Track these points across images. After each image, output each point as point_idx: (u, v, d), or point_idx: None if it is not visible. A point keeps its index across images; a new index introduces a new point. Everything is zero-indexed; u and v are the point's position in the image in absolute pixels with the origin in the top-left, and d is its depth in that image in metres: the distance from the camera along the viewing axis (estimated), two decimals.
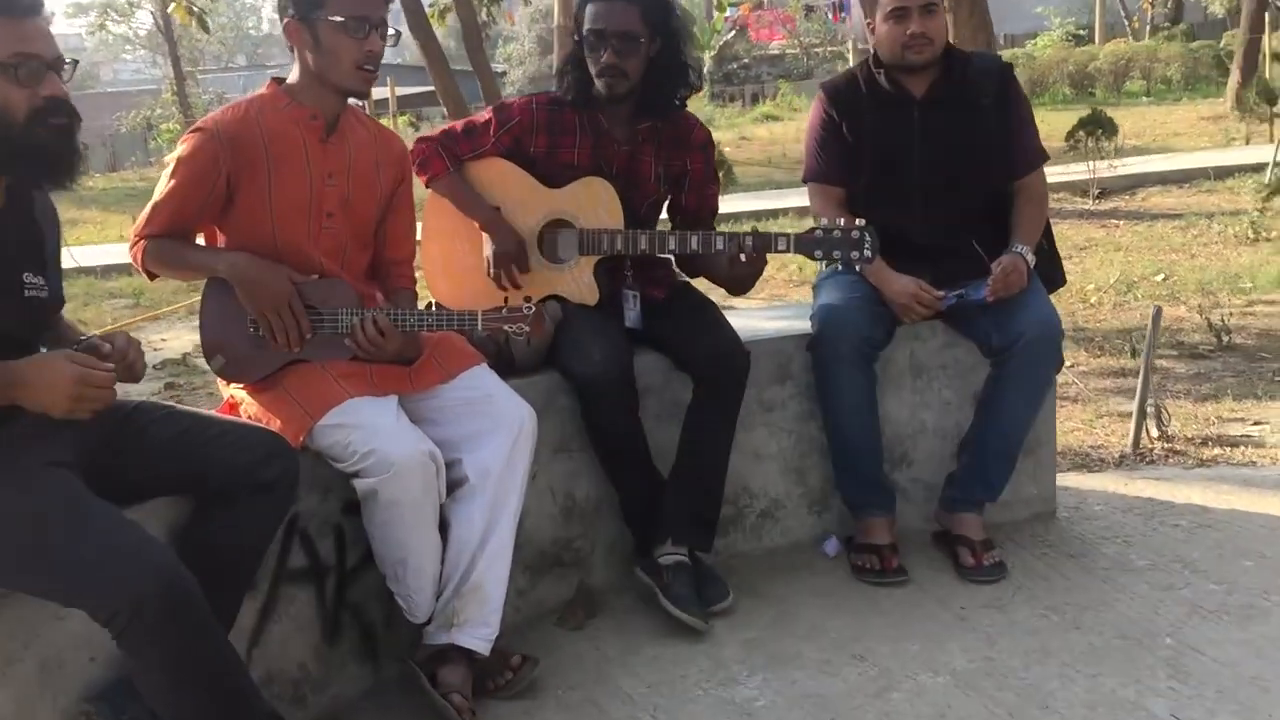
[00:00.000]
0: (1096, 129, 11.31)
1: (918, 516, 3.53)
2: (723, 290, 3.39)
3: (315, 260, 2.76)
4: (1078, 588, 3.14)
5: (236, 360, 2.71)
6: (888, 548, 3.32)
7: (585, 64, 3.18)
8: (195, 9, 11.57)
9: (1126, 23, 36.89)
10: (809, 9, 38.19)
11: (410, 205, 3.01)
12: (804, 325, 3.47)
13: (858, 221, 3.05)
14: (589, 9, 3.16)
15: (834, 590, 3.25)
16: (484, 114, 3.38)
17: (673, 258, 3.41)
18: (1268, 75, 18.47)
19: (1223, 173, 12.59)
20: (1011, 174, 3.46)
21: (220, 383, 2.84)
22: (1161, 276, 8.20)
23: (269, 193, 2.69)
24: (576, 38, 3.22)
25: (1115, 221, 10.52)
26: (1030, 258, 3.34)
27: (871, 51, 3.51)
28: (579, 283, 3.26)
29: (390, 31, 2.72)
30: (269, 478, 2.42)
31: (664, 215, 3.50)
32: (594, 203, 3.24)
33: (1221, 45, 28.24)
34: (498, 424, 2.76)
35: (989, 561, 3.26)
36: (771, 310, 3.61)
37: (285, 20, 2.68)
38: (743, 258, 3.13)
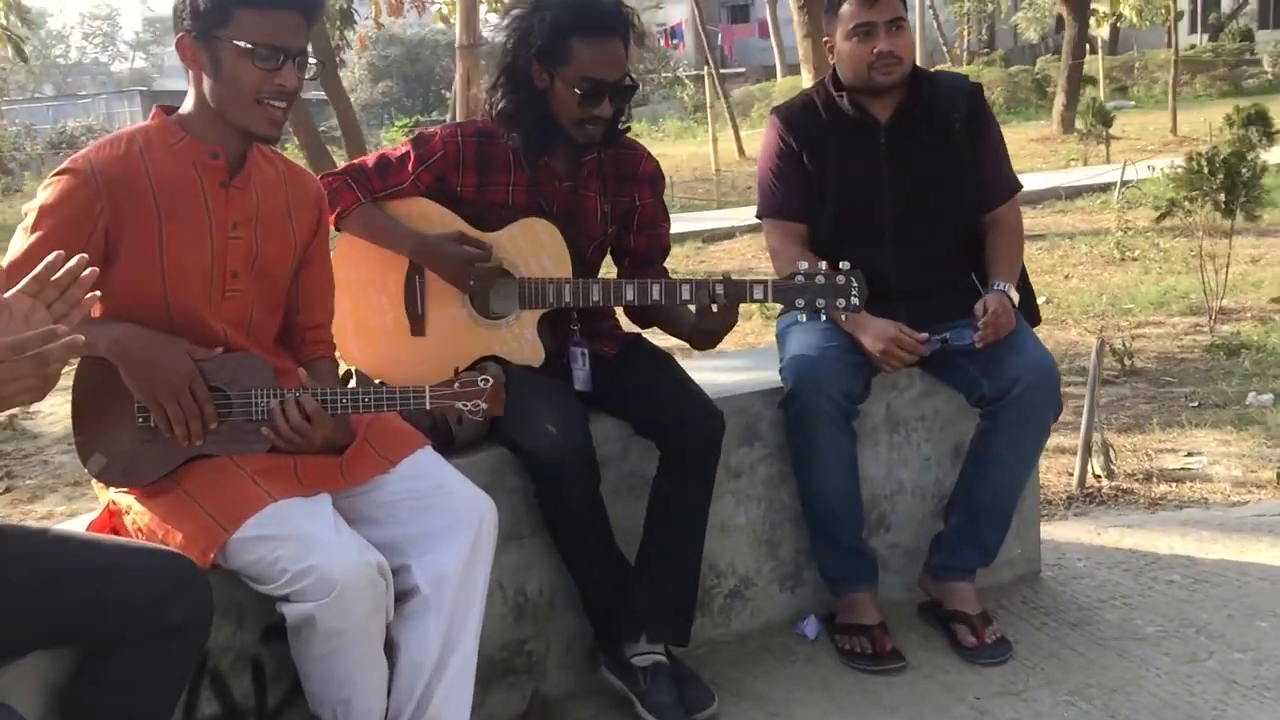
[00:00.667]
0: None
1: (899, 586, 3.17)
2: (676, 341, 2.97)
3: (216, 330, 2.24)
4: (1095, 665, 2.81)
5: (122, 459, 2.16)
6: (877, 628, 2.94)
7: (547, 108, 2.74)
8: (13, 36, 10.58)
9: (945, 49, 38.23)
10: (641, 35, 38.24)
11: (327, 258, 2.51)
12: (771, 377, 3.07)
13: (842, 265, 2.68)
14: (579, 49, 2.68)
15: (824, 681, 2.85)
16: (399, 147, 2.89)
17: (618, 307, 2.98)
18: (1102, 98, 19.14)
19: (1072, 193, 12.84)
20: (985, 204, 3.15)
21: (97, 485, 2.28)
22: (1044, 299, 8.13)
23: (160, 250, 2.16)
24: (539, 78, 2.74)
25: None
26: (1014, 296, 3.03)
27: (830, 72, 3.16)
28: (520, 341, 2.80)
29: (311, 63, 2.22)
30: (176, 619, 1.90)
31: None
32: (535, 248, 2.79)
33: (1037, 70, 29.40)
34: (453, 520, 2.28)
35: (991, 639, 2.91)
36: (730, 360, 3.22)
37: (180, 35, 2.16)
38: (714, 308, 2.71)
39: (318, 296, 2.47)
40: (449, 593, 2.24)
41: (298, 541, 2.06)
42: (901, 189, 3.06)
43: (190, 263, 2.19)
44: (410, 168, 2.81)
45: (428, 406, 2.26)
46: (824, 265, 2.68)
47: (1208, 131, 13.39)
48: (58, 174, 2.14)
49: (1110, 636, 2.95)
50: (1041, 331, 7.23)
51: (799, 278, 2.68)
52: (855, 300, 2.67)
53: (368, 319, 2.85)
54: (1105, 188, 12.63)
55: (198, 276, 2.21)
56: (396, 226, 2.78)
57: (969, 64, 33.81)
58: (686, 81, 29.69)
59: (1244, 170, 6.25)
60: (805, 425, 2.91)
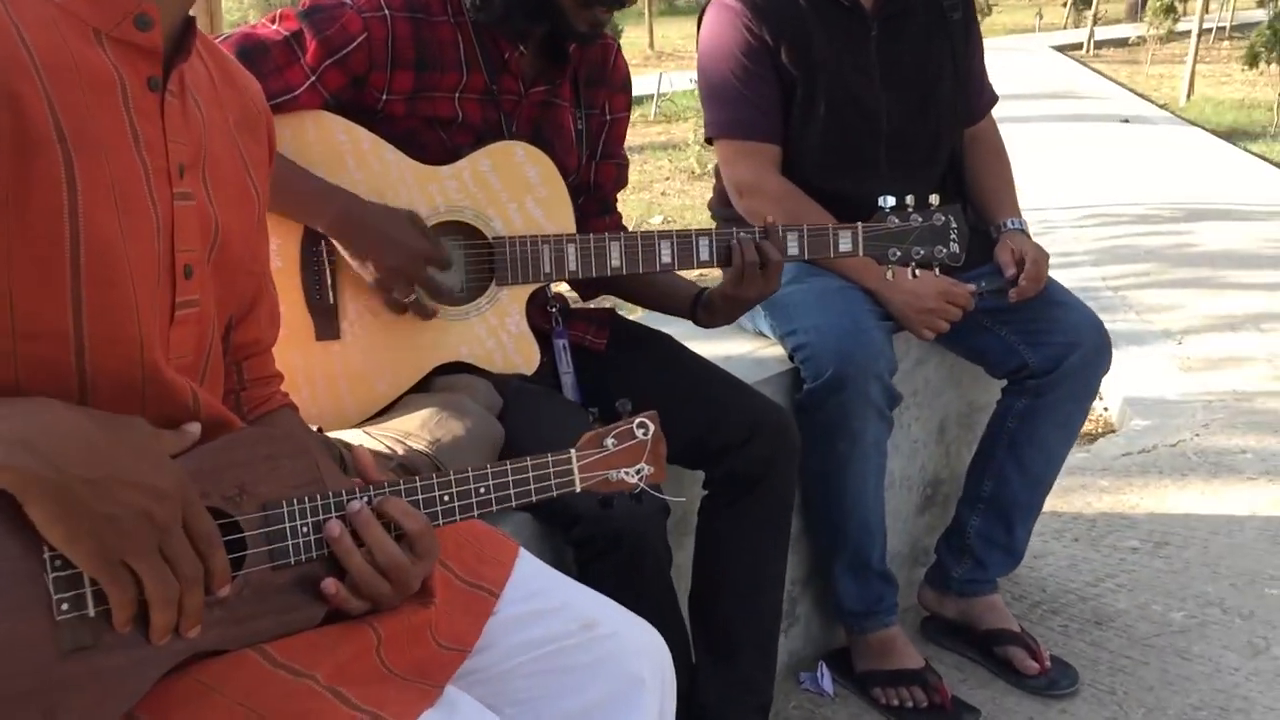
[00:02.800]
0: None
1: None
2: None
3: (178, 389, 1.08)
4: (1173, 678, 2.36)
5: (33, 697, 0.97)
6: (928, 672, 2.29)
7: None
8: None
9: None
10: None
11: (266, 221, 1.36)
12: (759, 354, 2.28)
13: (933, 199, 1.95)
14: None
15: None
16: (277, 25, 1.71)
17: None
18: None
19: None
20: (971, 115, 2.53)
21: None
22: (660, 219, 7.76)
23: (70, 224, 0.97)
24: None
25: None
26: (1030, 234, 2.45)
27: None
28: (502, 336, 1.80)
29: None
30: None
31: None
32: (517, 188, 1.79)
33: None
34: (624, 683, 1.28)
35: (1048, 660, 2.36)
36: (678, 328, 2.30)
37: None
38: (760, 270, 1.86)
39: (264, 292, 1.34)
40: None
41: None
42: (898, 97, 2.36)
43: (126, 247, 1.02)
44: (309, 60, 1.67)
45: (578, 488, 1.26)
46: (911, 199, 1.94)
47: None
48: None
49: (1150, 634, 2.51)
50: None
51: (891, 219, 1.91)
52: (955, 246, 1.96)
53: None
54: (639, 100, 12.54)
55: (142, 277, 1.04)
56: (305, 176, 1.66)
57: None
58: None
59: None
60: (848, 420, 2.16)
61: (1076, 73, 16.04)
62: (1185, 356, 4.35)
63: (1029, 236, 2.41)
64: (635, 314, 2.28)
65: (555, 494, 1.25)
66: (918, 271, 1.97)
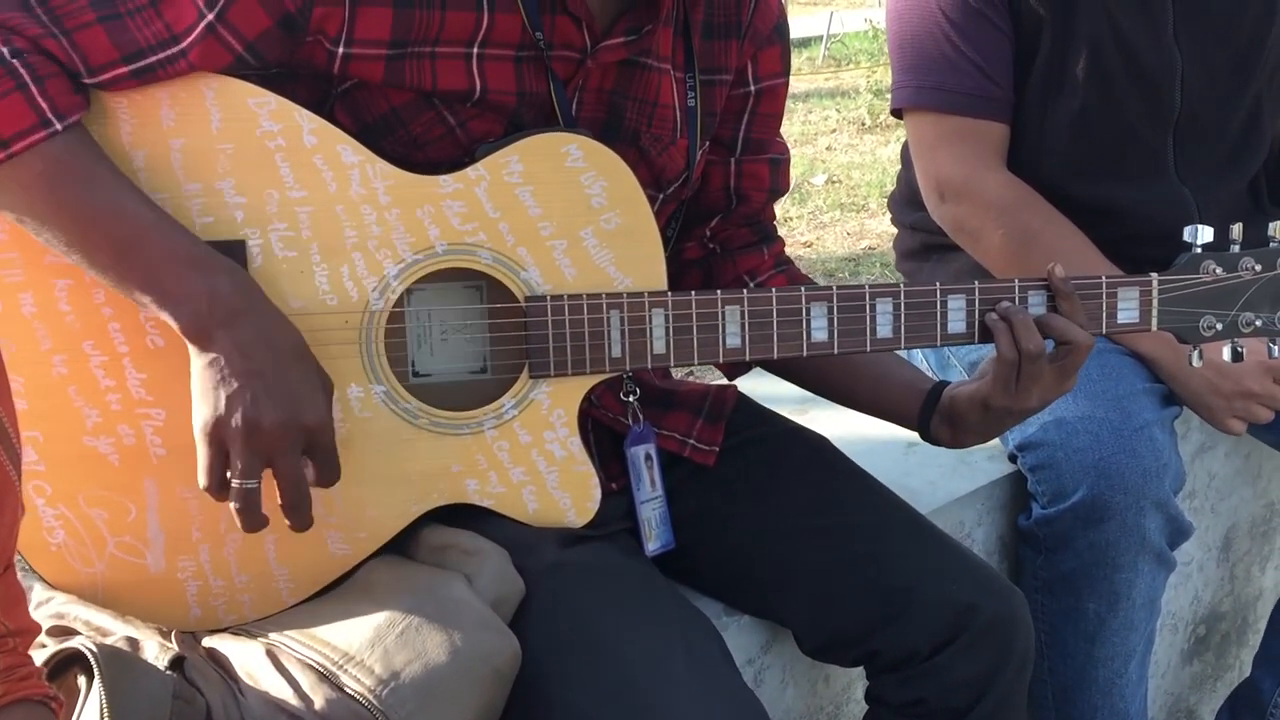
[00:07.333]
0: None
1: None
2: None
3: None
4: None
5: None
6: None
7: None
8: None
9: None
10: None
11: None
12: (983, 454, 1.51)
13: (1275, 229, 1.16)
14: None
15: None
16: None
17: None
18: None
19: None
20: None
21: None
22: (824, 178, 6.91)
23: None
24: None
25: None
26: None
27: None
28: (538, 461, 1.07)
29: None
30: None
31: None
32: (569, 211, 1.05)
33: None
34: None
35: None
36: (793, 406, 1.55)
37: None
38: (1051, 362, 1.09)
39: None
40: None
41: None
42: (1200, 53, 1.53)
43: None
44: None
45: None
46: (1237, 231, 1.17)
47: None
48: None
49: None
50: (851, 222, 6.07)
51: (1208, 265, 1.14)
52: None
53: (71, 429, 1.00)
54: (806, 42, 11.60)
55: None
56: (140, 211, 0.97)
57: None
58: None
59: None
60: (1109, 568, 1.38)
61: None
62: None
63: None
64: (766, 383, 1.46)
65: None
66: (1242, 349, 1.19)
